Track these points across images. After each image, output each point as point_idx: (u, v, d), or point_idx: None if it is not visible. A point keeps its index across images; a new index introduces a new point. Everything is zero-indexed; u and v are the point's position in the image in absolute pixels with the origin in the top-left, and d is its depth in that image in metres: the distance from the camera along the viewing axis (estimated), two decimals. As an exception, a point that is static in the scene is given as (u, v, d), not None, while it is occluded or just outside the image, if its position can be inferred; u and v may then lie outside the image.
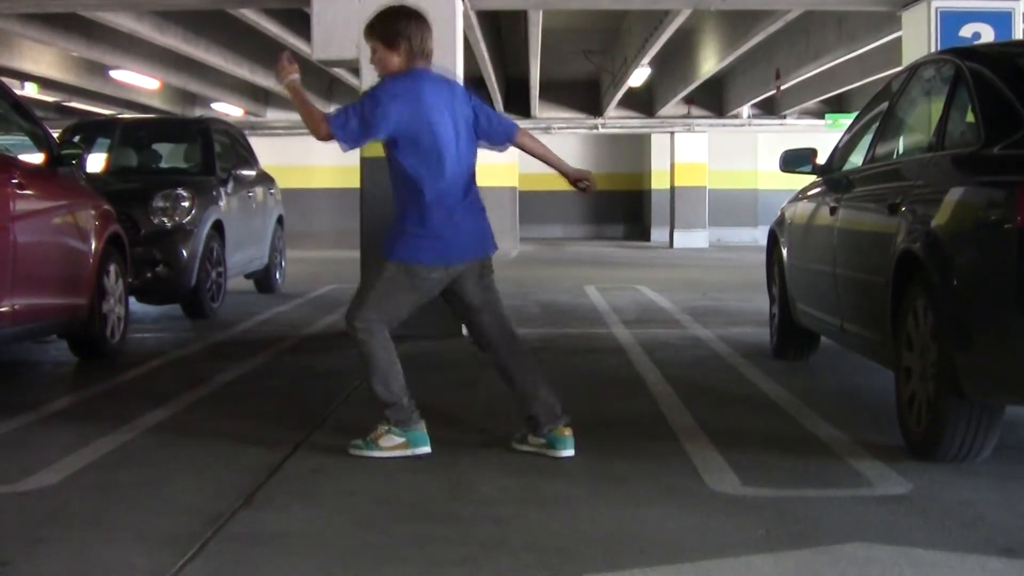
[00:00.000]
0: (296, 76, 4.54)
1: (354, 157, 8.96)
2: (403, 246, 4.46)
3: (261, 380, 6.53)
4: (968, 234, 4.13)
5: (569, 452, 4.47)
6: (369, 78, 8.26)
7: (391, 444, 4.47)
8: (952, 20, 8.88)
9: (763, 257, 7.72)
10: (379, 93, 4.42)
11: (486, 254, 4.59)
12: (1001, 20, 8.88)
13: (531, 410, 4.52)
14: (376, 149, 8.22)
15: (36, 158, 6.67)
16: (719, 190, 26.27)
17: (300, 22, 13.77)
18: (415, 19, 4.51)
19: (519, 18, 14.59)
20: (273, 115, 23.96)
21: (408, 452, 4.46)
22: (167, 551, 3.30)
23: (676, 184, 24.90)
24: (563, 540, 3.43)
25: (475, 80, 15.79)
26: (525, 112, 22.40)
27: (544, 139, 25.04)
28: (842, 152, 6.24)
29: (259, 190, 11.49)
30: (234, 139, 11.52)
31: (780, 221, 7.09)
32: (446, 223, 4.45)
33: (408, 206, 4.48)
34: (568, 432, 4.50)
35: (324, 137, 4.43)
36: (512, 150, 4.85)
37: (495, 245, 4.66)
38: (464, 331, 8.24)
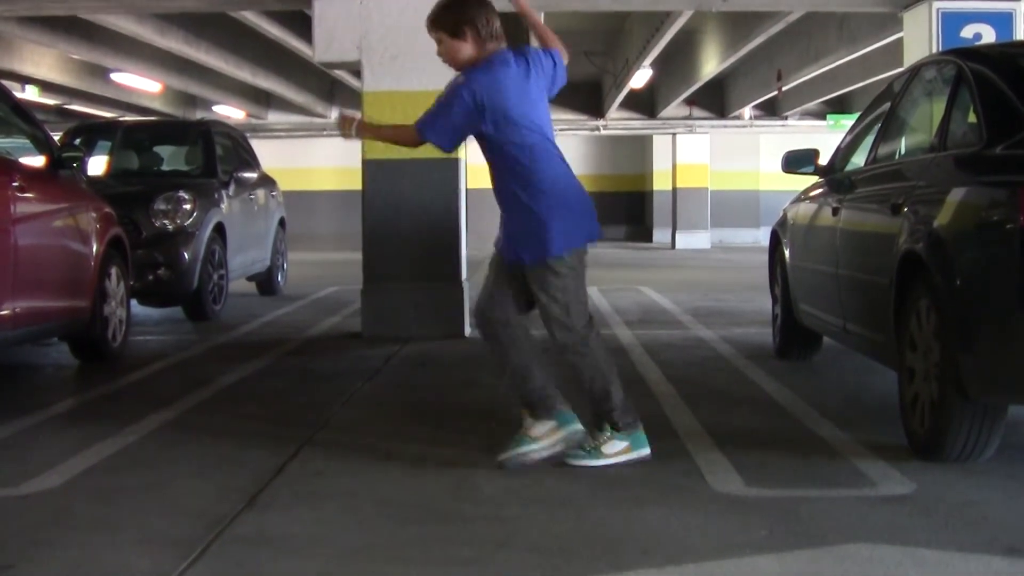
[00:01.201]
0: (356, 120, 4.52)
1: (356, 159, 8.97)
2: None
3: (263, 382, 6.53)
4: (971, 234, 4.12)
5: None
6: (371, 80, 8.30)
7: (615, 450, 4.29)
8: (953, 21, 8.88)
9: (765, 258, 7.71)
10: (463, 93, 4.23)
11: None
12: (1002, 21, 8.87)
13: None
14: (377, 151, 8.29)
15: (37, 161, 6.68)
16: (721, 191, 26.27)
17: (301, 24, 13.78)
18: (478, 3, 4.34)
19: (520, 20, 14.58)
20: (274, 117, 23.98)
21: (633, 456, 4.29)
22: (170, 553, 3.29)
23: (678, 185, 24.91)
24: (567, 540, 3.43)
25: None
26: (526, 114, 22.37)
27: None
28: (844, 153, 6.24)
29: (261, 192, 11.49)
30: (236, 141, 11.52)
31: (783, 222, 7.08)
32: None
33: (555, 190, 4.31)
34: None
35: (418, 144, 4.43)
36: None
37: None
38: (468, 330, 8.28)
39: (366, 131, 4.60)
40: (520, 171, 4.28)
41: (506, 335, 4.38)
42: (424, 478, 4.19)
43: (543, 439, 4.27)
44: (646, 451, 4.34)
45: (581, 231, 4.32)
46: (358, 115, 4.62)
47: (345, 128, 4.46)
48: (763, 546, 3.34)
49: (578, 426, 4.31)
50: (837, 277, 5.62)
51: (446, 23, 4.32)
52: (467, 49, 4.32)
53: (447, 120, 4.27)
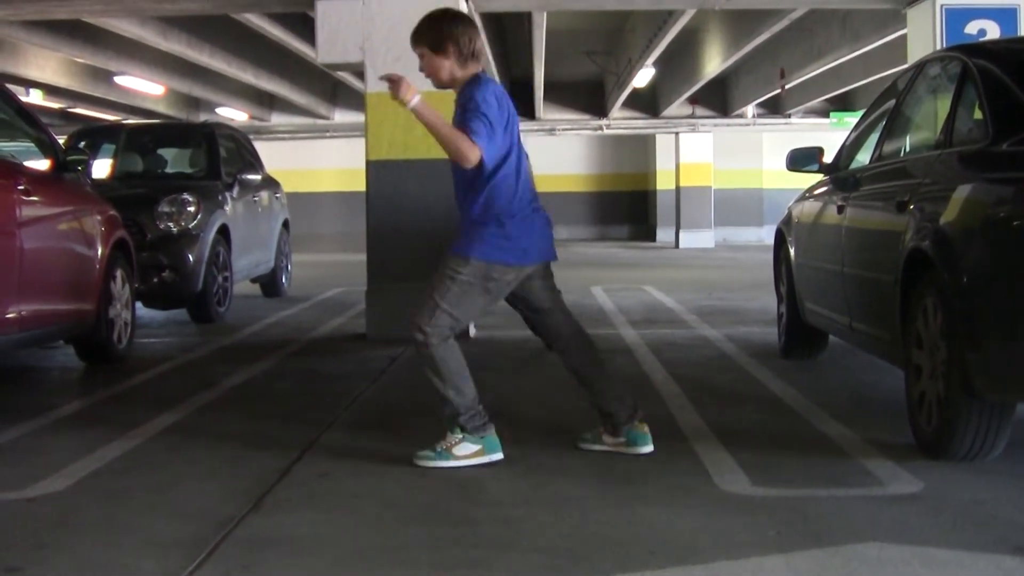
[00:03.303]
0: (417, 97, 4.18)
1: (359, 160, 8.97)
2: (484, 245, 4.30)
3: (268, 384, 6.52)
4: (977, 231, 4.10)
5: (649, 448, 4.46)
6: (374, 81, 8.28)
7: (466, 452, 4.33)
8: (957, 17, 8.86)
9: (769, 256, 7.70)
10: (488, 96, 4.24)
11: (551, 258, 4.55)
12: (1006, 16, 8.85)
13: (608, 408, 4.49)
14: (381, 152, 8.28)
15: (42, 164, 6.68)
16: (724, 190, 26.26)
17: (304, 26, 13.79)
18: (461, 21, 4.40)
19: (523, 20, 14.59)
20: (278, 119, 24.00)
21: (484, 459, 4.33)
22: (176, 556, 3.29)
23: (681, 184, 24.89)
24: (573, 541, 3.42)
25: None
26: (530, 114, 22.41)
27: (549, 140, 24.75)
28: (849, 150, 6.23)
29: (264, 194, 11.50)
30: (239, 143, 11.52)
31: (787, 220, 7.07)
32: (522, 224, 4.36)
33: (489, 206, 4.32)
34: (646, 428, 4.49)
35: (476, 162, 4.21)
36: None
37: (556, 253, 4.58)
38: (472, 331, 8.27)
39: (423, 109, 4.18)
40: (489, 187, 4.31)
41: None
42: (429, 479, 4.19)
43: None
44: (498, 455, 4.36)
45: (507, 252, 4.32)
46: (416, 96, 4.18)
47: (401, 91, 4.16)
48: (770, 546, 3.33)
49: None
50: (843, 275, 5.61)
51: (429, 38, 4.36)
52: (448, 66, 4.36)
53: (495, 134, 4.22)
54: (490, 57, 14.70)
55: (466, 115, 4.23)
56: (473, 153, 4.19)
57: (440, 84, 4.44)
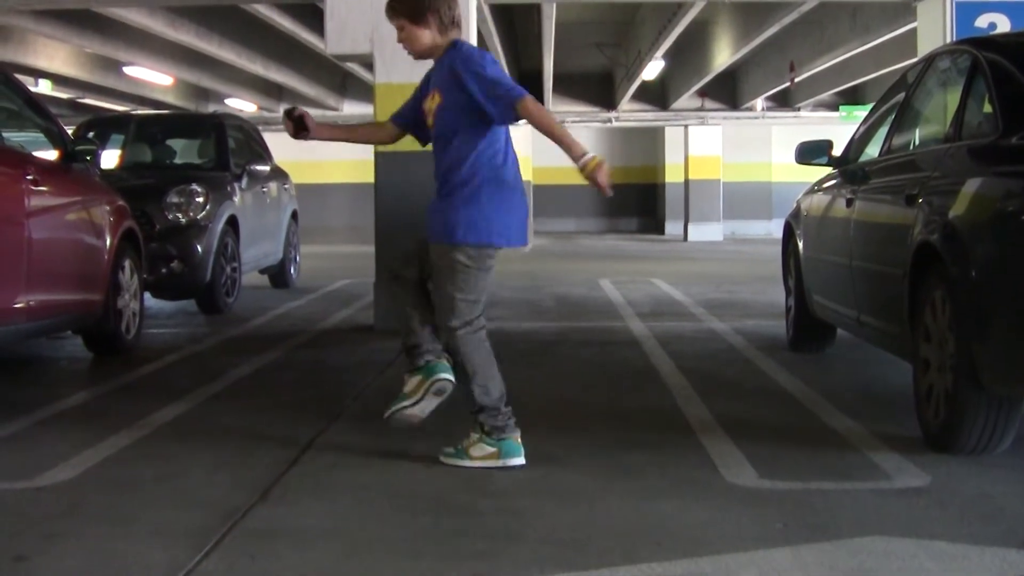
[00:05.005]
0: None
1: (368, 152, 8.97)
2: (472, 229, 4.17)
3: (276, 375, 6.53)
4: (986, 225, 4.10)
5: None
6: (383, 72, 8.28)
7: (481, 454, 4.24)
8: (968, 10, 8.83)
9: (778, 250, 7.69)
10: (488, 58, 4.21)
11: (524, 243, 4.45)
12: (1017, 10, 8.82)
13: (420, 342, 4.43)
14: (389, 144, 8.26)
15: (51, 154, 6.68)
16: (733, 183, 26.23)
17: (313, 17, 13.78)
18: None
19: (532, 11, 14.58)
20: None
21: (498, 463, 4.20)
22: (184, 546, 3.30)
23: (690, 177, 24.87)
24: (580, 532, 3.42)
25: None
26: (538, 106, 22.37)
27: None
28: (858, 144, 6.21)
29: (273, 185, 11.50)
30: (248, 134, 11.53)
31: (796, 213, 7.06)
32: (509, 198, 4.27)
33: (476, 170, 4.19)
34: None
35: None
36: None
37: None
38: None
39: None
40: (492, 162, 4.22)
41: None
42: (437, 471, 4.19)
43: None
44: (517, 460, 4.21)
45: (514, 230, 4.27)
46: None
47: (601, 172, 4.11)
48: (778, 539, 3.33)
49: (443, 374, 4.27)
50: (851, 268, 5.60)
51: (408, 9, 4.28)
52: (428, 36, 4.29)
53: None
54: (499, 49, 14.69)
55: (500, 87, 4.11)
56: (541, 107, 4.16)
57: (419, 54, 4.35)
